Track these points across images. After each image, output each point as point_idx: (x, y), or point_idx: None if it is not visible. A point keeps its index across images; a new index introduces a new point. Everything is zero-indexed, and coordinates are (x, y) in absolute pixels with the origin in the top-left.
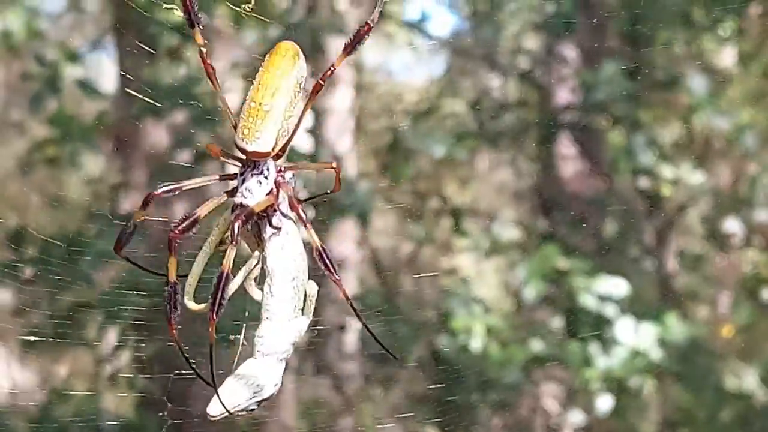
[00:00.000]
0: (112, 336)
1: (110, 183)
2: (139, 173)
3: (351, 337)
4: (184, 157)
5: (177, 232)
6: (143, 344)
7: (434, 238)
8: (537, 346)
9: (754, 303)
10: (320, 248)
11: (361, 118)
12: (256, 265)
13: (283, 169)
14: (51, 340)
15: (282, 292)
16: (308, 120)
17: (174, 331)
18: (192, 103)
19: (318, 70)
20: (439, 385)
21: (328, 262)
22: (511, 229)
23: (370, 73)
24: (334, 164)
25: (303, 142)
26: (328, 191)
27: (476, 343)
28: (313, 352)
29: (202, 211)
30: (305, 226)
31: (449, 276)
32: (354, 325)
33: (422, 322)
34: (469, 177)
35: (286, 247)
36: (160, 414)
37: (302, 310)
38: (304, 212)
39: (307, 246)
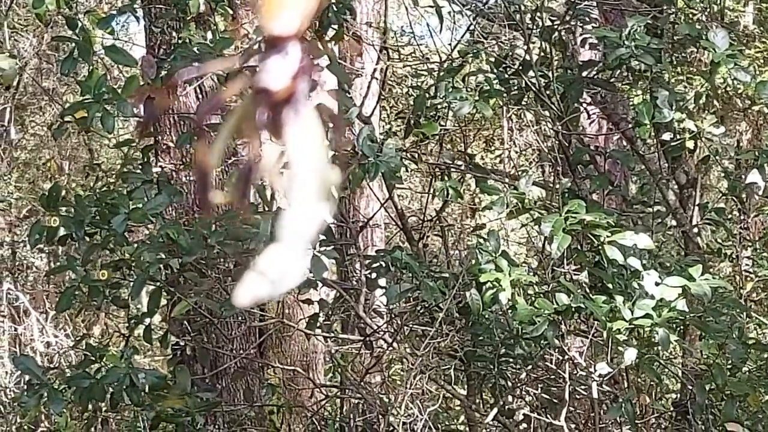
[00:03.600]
0: (144, 296)
1: (141, 145)
2: (169, 135)
3: (379, 293)
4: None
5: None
6: (174, 302)
7: (461, 197)
8: (563, 299)
9: None
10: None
11: (386, 81)
12: (279, 155)
13: (307, 53)
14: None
15: (304, 181)
16: (333, 82)
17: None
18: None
19: None
20: (466, 340)
21: (336, 123)
22: (535, 186)
23: (395, 36)
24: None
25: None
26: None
27: (504, 297)
28: (342, 310)
29: (224, 94)
30: (314, 86)
31: (476, 232)
32: (381, 282)
33: (450, 278)
34: (494, 136)
35: (307, 134)
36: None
37: (326, 198)
38: (319, 77)
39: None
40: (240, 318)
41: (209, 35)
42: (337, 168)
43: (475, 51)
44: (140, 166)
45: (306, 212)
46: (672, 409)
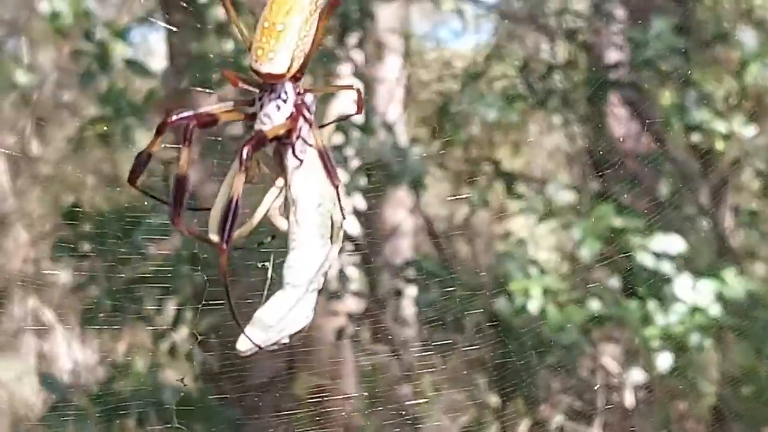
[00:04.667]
0: (169, 310)
1: (162, 158)
2: (191, 148)
3: (407, 303)
4: (234, 129)
5: (173, 119)
6: (199, 317)
7: (488, 203)
8: (595, 306)
9: None
10: (322, 150)
11: (410, 86)
12: (279, 194)
13: (302, 91)
14: (109, 317)
15: (308, 220)
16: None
17: (184, 228)
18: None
19: None
20: (497, 349)
21: (329, 165)
22: (564, 191)
23: (418, 42)
24: (355, 86)
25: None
26: (349, 114)
27: (534, 305)
28: (370, 320)
29: (211, 108)
30: (311, 126)
31: (504, 239)
32: (409, 291)
33: (479, 286)
34: (521, 141)
35: (310, 173)
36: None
37: (330, 238)
38: (310, 115)
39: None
40: None
41: (230, 45)
42: (340, 209)
43: (499, 54)
44: (163, 179)
45: (311, 253)
46: (708, 415)
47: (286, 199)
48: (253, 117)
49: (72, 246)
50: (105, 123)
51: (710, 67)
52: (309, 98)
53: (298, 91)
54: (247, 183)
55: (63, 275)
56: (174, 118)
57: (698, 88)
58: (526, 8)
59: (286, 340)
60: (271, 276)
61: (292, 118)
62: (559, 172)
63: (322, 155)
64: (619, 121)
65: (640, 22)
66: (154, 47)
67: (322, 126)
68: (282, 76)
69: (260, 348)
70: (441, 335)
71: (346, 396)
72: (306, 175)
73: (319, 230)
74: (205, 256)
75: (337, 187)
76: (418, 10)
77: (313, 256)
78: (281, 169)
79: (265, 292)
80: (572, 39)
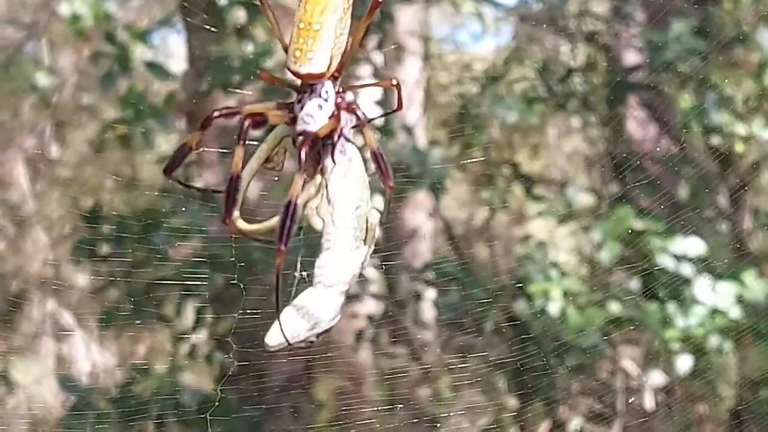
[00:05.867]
0: (188, 312)
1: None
2: (211, 150)
3: (426, 305)
4: (254, 132)
5: (218, 114)
6: (220, 319)
7: (507, 206)
8: (614, 308)
9: None
10: (377, 151)
11: (429, 89)
12: (317, 193)
13: (342, 89)
14: (128, 319)
15: (345, 221)
16: (377, 92)
17: (234, 228)
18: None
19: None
20: (517, 352)
21: (383, 166)
22: (583, 194)
23: (437, 44)
24: (395, 81)
25: (372, 114)
26: (390, 111)
27: (554, 308)
28: (389, 322)
29: (249, 107)
30: (362, 126)
31: (524, 242)
32: (429, 294)
33: (498, 289)
34: (540, 144)
35: (349, 174)
36: (226, 356)
37: (364, 240)
38: (363, 114)
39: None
40: None
41: (249, 47)
42: (377, 212)
43: (518, 57)
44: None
45: (345, 255)
46: (727, 418)
47: (317, 196)
48: (293, 119)
49: (92, 247)
50: (125, 125)
51: (729, 69)
52: (350, 96)
53: (338, 89)
54: (270, 169)
55: (81, 278)
56: (217, 113)
57: (717, 91)
58: (545, 11)
59: (314, 339)
60: (300, 275)
61: (335, 117)
62: (578, 175)
63: (377, 156)
64: (639, 123)
65: (659, 24)
66: (173, 49)
67: (369, 120)
68: (322, 75)
69: (289, 343)
70: (460, 338)
71: (364, 398)
72: (345, 175)
73: (355, 232)
74: (242, 264)
75: (390, 188)
76: (438, 13)
77: (346, 258)
78: (316, 167)
79: (294, 289)
80: (592, 41)
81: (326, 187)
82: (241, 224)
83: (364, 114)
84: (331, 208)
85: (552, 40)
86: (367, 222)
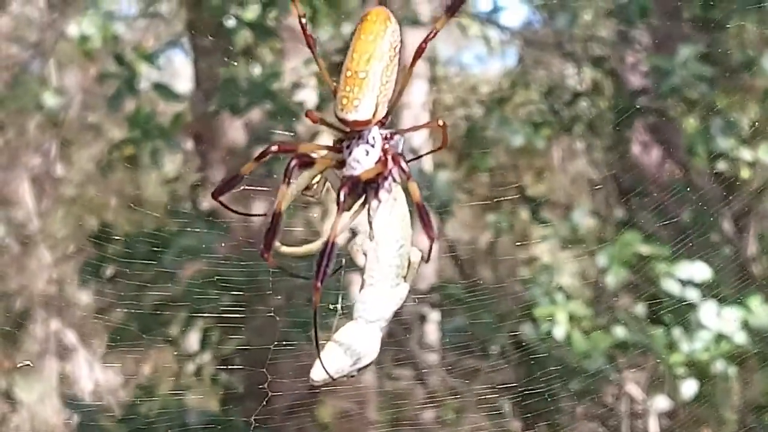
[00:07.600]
0: (194, 333)
1: (189, 181)
2: (218, 171)
3: (431, 328)
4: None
5: (277, 149)
6: (226, 340)
7: (513, 229)
8: (620, 332)
9: None
10: (420, 204)
11: (435, 111)
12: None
13: (389, 136)
14: (134, 339)
15: (388, 258)
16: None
17: (272, 263)
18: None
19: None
20: (522, 376)
21: (426, 218)
22: (589, 218)
23: (443, 67)
24: (440, 121)
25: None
26: (435, 149)
27: (559, 331)
28: (394, 344)
29: (304, 146)
30: (408, 179)
31: (529, 265)
32: (434, 317)
33: (504, 312)
34: (545, 167)
35: (394, 213)
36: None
37: (404, 277)
38: (407, 166)
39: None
40: (291, 355)
41: (257, 69)
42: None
43: (524, 80)
44: (189, 204)
45: (387, 291)
46: None
47: (353, 234)
48: (341, 163)
49: (100, 265)
50: (132, 145)
51: (735, 94)
52: (396, 139)
53: (385, 135)
54: (308, 197)
55: (85, 297)
56: (276, 147)
57: (723, 116)
58: (551, 35)
59: (355, 374)
60: (340, 311)
61: (381, 162)
62: (582, 199)
63: (420, 209)
64: (644, 147)
65: (665, 49)
66: (179, 69)
67: (413, 159)
68: (368, 122)
69: (333, 379)
70: (465, 360)
71: (369, 420)
72: (390, 214)
73: (397, 270)
74: (279, 297)
75: (432, 239)
76: (444, 36)
77: (387, 294)
78: (357, 203)
79: (335, 326)
80: (598, 65)
81: (370, 224)
82: (284, 249)
83: (409, 168)
84: (375, 245)
85: (558, 63)
86: (409, 260)
